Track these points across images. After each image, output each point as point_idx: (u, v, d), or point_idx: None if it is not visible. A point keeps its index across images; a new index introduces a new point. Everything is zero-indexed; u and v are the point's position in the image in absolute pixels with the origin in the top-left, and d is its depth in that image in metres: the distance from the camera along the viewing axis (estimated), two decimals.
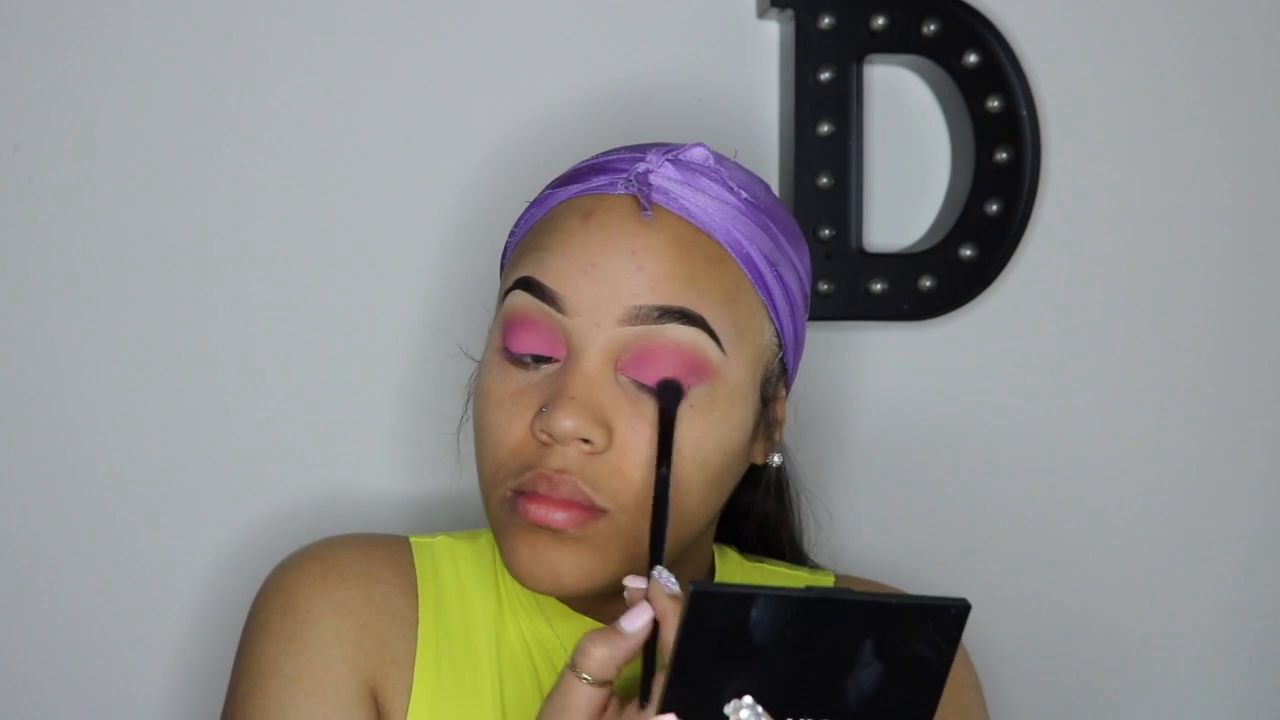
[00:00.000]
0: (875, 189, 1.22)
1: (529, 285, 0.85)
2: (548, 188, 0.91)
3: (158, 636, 1.15)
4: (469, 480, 0.90)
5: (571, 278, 0.84)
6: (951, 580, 1.20)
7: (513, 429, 0.84)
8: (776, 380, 0.90)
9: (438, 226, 1.17)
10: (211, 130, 1.14)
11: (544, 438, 0.83)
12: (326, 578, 0.90)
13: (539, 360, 0.85)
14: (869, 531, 1.22)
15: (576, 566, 0.83)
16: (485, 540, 0.96)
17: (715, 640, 0.69)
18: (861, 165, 1.18)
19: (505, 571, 0.93)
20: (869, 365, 1.22)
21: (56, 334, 1.13)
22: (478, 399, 0.88)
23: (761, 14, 1.19)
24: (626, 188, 0.86)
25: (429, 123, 1.17)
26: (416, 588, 0.92)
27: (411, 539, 0.95)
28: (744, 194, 0.88)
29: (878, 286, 1.18)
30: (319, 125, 1.16)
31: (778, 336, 0.89)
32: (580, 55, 1.18)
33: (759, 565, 1.00)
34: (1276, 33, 1.26)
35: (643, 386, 0.83)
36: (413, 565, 0.93)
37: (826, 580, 1.00)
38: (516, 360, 0.85)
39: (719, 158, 0.89)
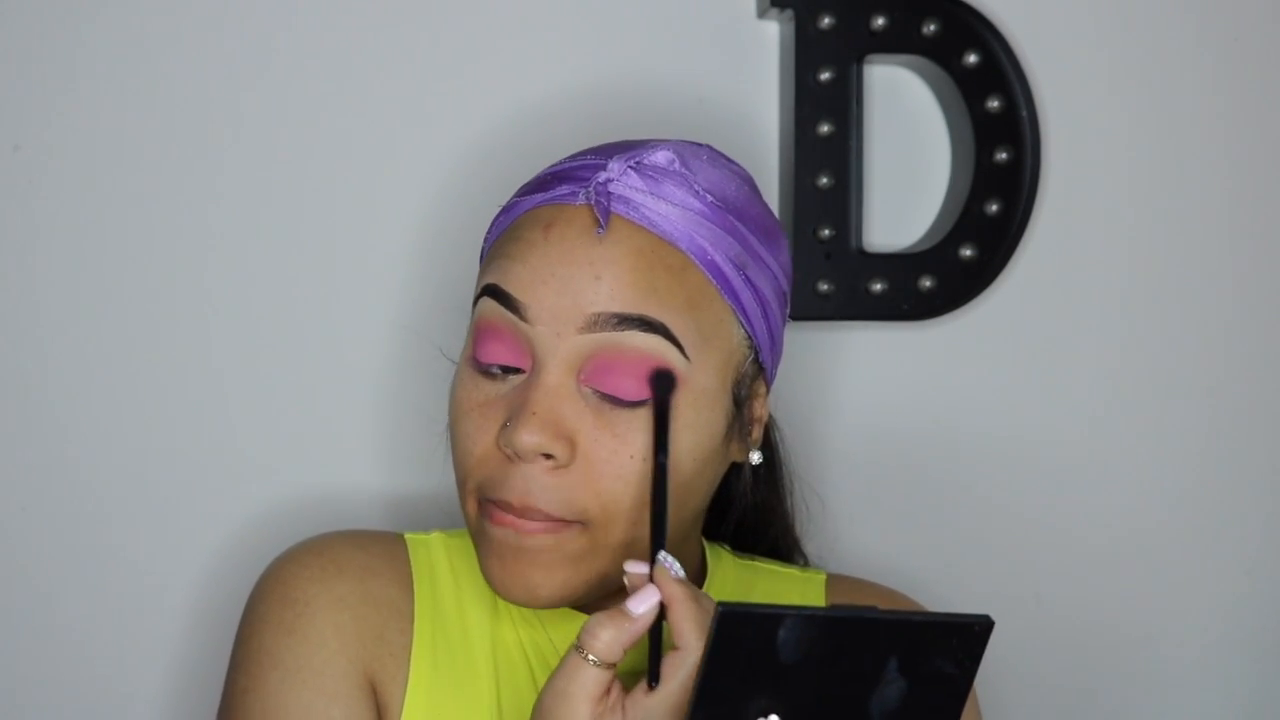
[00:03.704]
0: (875, 189, 1.22)
1: (495, 293, 0.86)
2: (516, 195, 0.91)
3: (153, 632, 1.15)
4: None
5: (532, 286, 0.84)
6: (952, 580, 1.20)
7: (480, 440, 0.85)
8: (752, 380, 0.90)
9: (432, 228, 1.17)
10: (208, 132, 1.14)
11: (508, 452, 0.83)
12: (324, 570, 0.91)
13: (506, 371, 0.86)
14: (869, 532, 1.22)
15: (548, 578, 0.84)
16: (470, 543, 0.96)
17: (742, 659, 0.70)
18: (861, 165, 1.18)
19: None
20: (869, 365, 1.22)
21: (54, 333, 1.13)
22: (451, 407, 0.89)
23: (761, 14, 1.19)
24: (586, 198, 0.86)
25: (425, 124, 1.17)
26: (412, 582, 0.93)
27: (407, 536, 0.96)
28: (709, 197, 0.87)
29: (878, 286, 1.18)
30: (316, 128, 1.16)
31: (749, 338, 0.89)
32: (579, 55, 1.18)
33: (752, 564, 1.00)
34: (1276, 32, 1.25)
35: (605, 396, 0.84)
36: (408, 560, 0.94)
37: (818, 578, 1.00)
38: (485, 370, 0.86)
39: (685, 159, 0.88)
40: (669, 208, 0.86)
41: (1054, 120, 1.22)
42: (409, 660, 0.90)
